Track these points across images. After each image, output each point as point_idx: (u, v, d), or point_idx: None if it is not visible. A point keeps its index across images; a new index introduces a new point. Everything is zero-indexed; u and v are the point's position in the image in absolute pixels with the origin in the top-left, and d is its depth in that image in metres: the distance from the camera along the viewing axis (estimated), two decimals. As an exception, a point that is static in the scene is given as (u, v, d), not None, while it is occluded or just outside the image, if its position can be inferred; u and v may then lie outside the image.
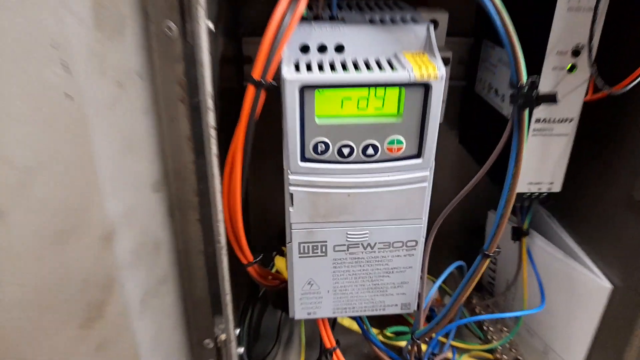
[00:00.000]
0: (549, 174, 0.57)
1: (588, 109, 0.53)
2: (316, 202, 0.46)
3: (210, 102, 0.41)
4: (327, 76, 0.41)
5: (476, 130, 0.68)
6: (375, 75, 0.41)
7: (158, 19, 0.40)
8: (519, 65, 0.41)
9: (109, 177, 0.38)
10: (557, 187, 0.58)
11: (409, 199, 0.46)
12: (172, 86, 0.42)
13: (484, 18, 0.63)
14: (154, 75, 0.41)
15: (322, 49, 0.44)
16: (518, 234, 0.63)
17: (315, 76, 0.41)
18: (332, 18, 0.46)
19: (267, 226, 0.73)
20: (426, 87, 0.42)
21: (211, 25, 0.41)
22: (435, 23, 0.56)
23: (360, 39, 0.44)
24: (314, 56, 0.44)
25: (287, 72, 0.41)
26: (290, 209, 0.46)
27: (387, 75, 0.41)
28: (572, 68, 0.51)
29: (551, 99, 0.42)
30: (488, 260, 0.48)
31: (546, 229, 0.66)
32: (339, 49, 0.45)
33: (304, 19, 0.45)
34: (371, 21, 0.47)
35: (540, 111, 0.53)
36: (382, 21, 0.47)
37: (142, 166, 0.43)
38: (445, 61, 0.54)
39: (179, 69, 0.41)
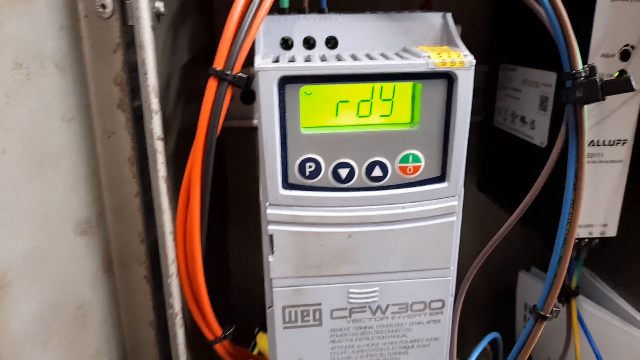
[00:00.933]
0: (601, 213, 0.45)
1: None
2: (305, 247, 0.33)
3: (154, 103, 0.30)
4: (316, 65, 0.30)
5: (500, 170, 0.57)
6: (380, 63, 0.30)
7: (88, -5, 0.30)
8: (572, 48, 0.31)
9: (-1, 203, 0.26)
10: (612, 231, 0.46)
11: (433, 241, 0.34)
12: (107, 86, 0.31)
13: (500, 39, 0.55)
14: (82, 70, 0.31)
15: (309, 43, 0.34)
16: (566, 295, 0.50)
17: (299, 65, 0.30)
18: (321, 12, 0.36)
19: (251, 296, 0.59)
20: (450, 80, 0.31)
21: (161, 6, 0.31)
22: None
23: (358, 31, 0.34)
24: (298, 52, 0.34)
25: (262, 61, 0.30)
26: (270, 258, 0.33)
27: (397, 62, 0.30)
28: (621, 74, 0.41)
29: (624, 85, 0.31)
30: (544, 324, 0.35)
31: (590, 289, 0.53)
32: (332, 43, 0.34)
33: (283, 11, 0.35)
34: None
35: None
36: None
37: (61, 195, 0.31)
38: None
39: (115, 61, 0.30)
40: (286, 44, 0.34)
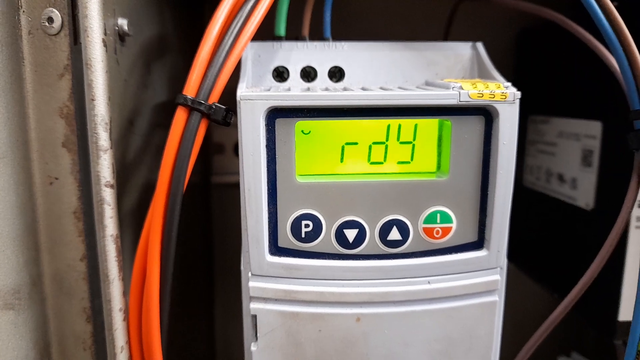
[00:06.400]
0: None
1: None
2: (299, 333, 0.25)
3: (103, 138, 0.23)
4: (315, 94, 0.23)
5: (534, 238, 0.49)
6: (399, 93, 0.23)
7: (34, 5, 0.24)
8: (643, 81, 0.24)
9: None
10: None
11: (468, 328, 0.26)
12: (50, 118, 0.24)
13: (526, 87, 0.49)
14: (19, 97, 0.24)
15: (308, 75, 0.28)
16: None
17: (294, 94, 0.23)
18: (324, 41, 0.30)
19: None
20: (488, 116, 0.24)
21: (124, 25, 0.25)
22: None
23: (369, 62, 0.28)
24: (295, 84, 0.28)
25: (245, 88, 0.23)
26: (253, 347, 0.25)
27: (420, 93, 0.23)
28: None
29: None
30: None
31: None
32: (337, 75, 0.28)
33: (280, 39, 0.29)
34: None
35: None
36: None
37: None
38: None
39: (62, 88, 0.24)
40: (280, 75, 0.28)
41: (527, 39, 0.48)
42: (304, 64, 0.28)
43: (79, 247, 0.26)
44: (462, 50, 0.29)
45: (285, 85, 0.28)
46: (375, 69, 0.28)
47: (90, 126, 0.22)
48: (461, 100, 0.23)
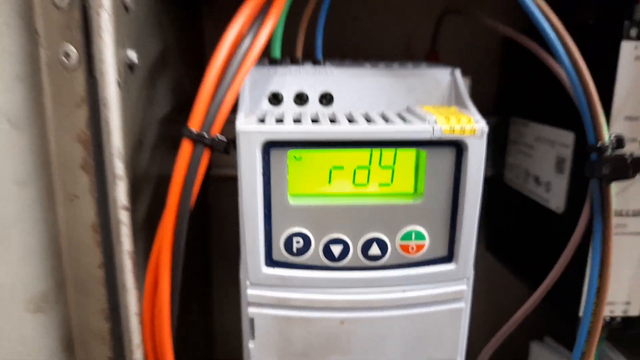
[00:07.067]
0: (624, 290, 0.41)
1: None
2: (291, 333, 0.29)
3: (119, 168, 0.26)
4: (306, 130, 0.26)
5: (511, 234, 0.53)
6: (379, 129, 0.26)
7: (51, 40, 0.26)
8: (598, 118, 0.27)
9: None
10: (636, 309, 0.41)
11: (437, 330, 0.29)
12: (69, 144, 0.27)
13: (510, 90, 0.51)
14: (41, 126, 0.27)
15: (301, 99, 0.31)
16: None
17: (288, 128, 0.26)
18: (316, 63, 0.33)
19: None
20: (459, 148, 0.27)
21: (133, 57, 0.28)
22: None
23: (356, 88, 0.31)
24: (288, 108, 0.30)
25: (244, 121, 0.26)
26: (251, 344, 0.29)
27: (398, 128, 0.26)
28: (648, 140, 0.37)
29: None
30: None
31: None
32: (326, 99, 0.31)
33: (275, 62, 0.32)
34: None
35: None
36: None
37: (10, 268, 0.27)
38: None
39: (79, 117, 0.27)
40: (275, 98, 0.31)
41: (511, 44, 0.50)
42: (296, 89, 0.31)
43: (97, 256, 0.29)
44: (441, 77, 0.31)
45: (279, 109, 0.30)
46: (362, 93, 0.31)
47: (108, 157, 0.25)
48: (434, 135, 0.26)
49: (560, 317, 0.40)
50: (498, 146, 0.54)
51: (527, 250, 0.48)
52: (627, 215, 0.39)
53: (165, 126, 0.35)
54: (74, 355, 0.31)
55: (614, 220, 0.39)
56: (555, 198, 0.42)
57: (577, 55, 0.27)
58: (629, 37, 0.35)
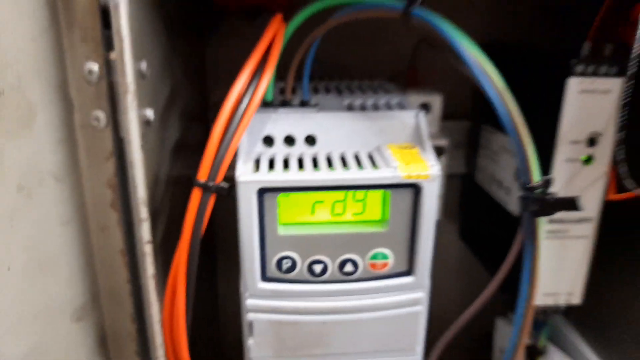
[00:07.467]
0: (567, 283, 0.48)
1: (611, 205, 0.44)
2: (282, 332, 0.36)
3: (144, 211, 0.32)
4: (292, 177, 0.33)
5: (479, 227, 0.59)
6: (352, 175, 0.33)
7: (84, 108, 0.32)
8: (529, 162, 0.33)
9: (4, 311, 0.29)
10: (576, 299, 0.48)
11: (400, 328, 0.37)
12: (100, 189, 0.34)
13: (481, 100, 0.57)
14: (78, 177, 0.33)
15: (289, 140, 0.37)
16: (532, 354, 0.53)
17: (277, 177, 0.33)
18: (304, 103, 0.39)
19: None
20: (416, 189, 0.33)
21: (150, 114, 0.34)
22: (426, 107, 0.49)
23: (336, 130, 0.37)
24: (279, 150, 0.37)
25: (243, 172, 0.33)
26: (250, 341, 0.36)
27: (367, 175, 0.33)
28: (589, 159, 0.43)
29: (570, 205, 0.33)
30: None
31: (565, 344, 0.56)
32: (310, 140, 0.37)
33: (269, 104, 0.38)
34: (350, 107, 0.39)
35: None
36: (363, 107, 0.40)
37: (59, 289, 0.33)
38: (440, 150, 0.46)
39: (108, 168, 0.33)
40: (268, 141, 0.37)
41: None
42: (285, 133, 0.37)
43: (124, 274, 0.36)
44: (407, 119, 0.37)
45: (272, 150, 0.37)
46: (340, 134, 0.37)
47: (134, 205, 0.32)
48: (395, 180, 0.33)
49: (511, 306, 0.48)
50: (471, 148, 0.60)
51: (490, 242, 0.55)
52: (570, 222, 0.45)
53: (174, 163, 0.42)
54: (108, 352, 0.39)
55: (558, 227, 0.46)
56: (513, 202, 0.49)
57: (515, 114, 0.33)
58: (575, 74, 0.40)
